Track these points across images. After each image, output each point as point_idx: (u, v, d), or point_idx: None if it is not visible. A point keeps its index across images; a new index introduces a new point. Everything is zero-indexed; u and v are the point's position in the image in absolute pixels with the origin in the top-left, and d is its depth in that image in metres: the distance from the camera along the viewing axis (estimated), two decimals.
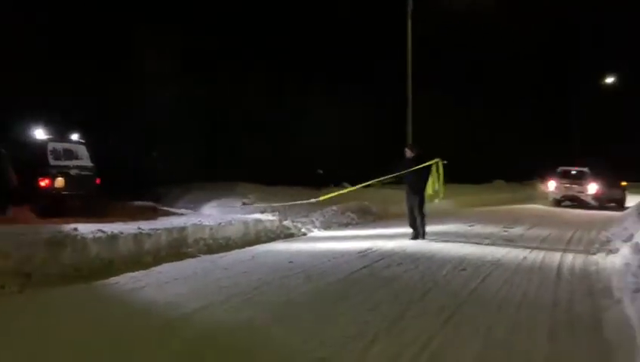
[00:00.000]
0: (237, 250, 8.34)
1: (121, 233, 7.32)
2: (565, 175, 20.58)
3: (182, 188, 14.53)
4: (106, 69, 13.77)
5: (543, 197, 21.61)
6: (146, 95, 14.68)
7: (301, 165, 17.94)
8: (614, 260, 7.46)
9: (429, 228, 9.94)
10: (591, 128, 34.41)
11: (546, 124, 33.27)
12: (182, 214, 10.75)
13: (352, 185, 14.85)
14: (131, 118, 14.36)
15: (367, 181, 10.44)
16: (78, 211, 9.45)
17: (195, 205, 12.74)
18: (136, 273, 6.44)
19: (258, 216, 10.50)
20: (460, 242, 9.55)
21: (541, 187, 23.29)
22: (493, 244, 9.37)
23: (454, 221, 13.07)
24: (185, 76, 15.47)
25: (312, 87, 18.72)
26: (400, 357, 3.86)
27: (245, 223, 9.54)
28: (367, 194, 14.32)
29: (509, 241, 9.77)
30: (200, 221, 9.01)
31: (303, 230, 10.69)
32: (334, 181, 17.10)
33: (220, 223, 9.03)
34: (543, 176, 23.04)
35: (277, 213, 10.85)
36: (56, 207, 9.61)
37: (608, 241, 9.45)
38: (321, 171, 17.93)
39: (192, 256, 7.70)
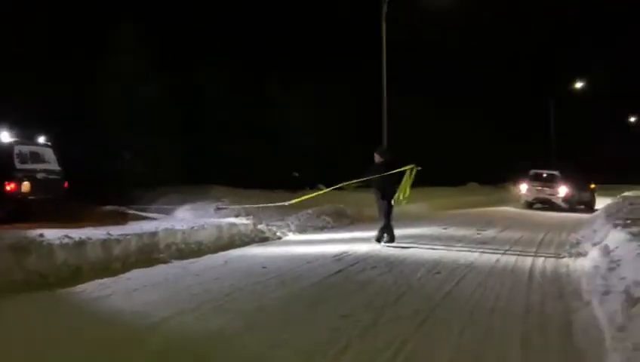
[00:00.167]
0: (210, 255, 8.19)
1: (89, 239, 7.11)
2: (537, 178, 20.97)
3: (155, 191, 14.28)
4: (75, 69, 13.42)
5: (515, 200, 21.96)
6: (117, 95, 14.39)
7: (277, 168, 17.85)
8: (584, 263, 7.58)
9: (403, 231, 9.97)
10: (566, 131, 35.17)
11: (521, 127, 33.83)
12: (154, 218, 10.54)
13: (328, 187, 14.79)
14: (102, 119, 14.04)
15: (339, 184, 10.35)
16: (45, 216, 9.16)
17: (168, 209, 12.52)
18: (105, 280, 6.26)
19: (232, 219, 10.36)
20: (434, 245, 9.59)
21: (514, 190, 23.67)
22: (466, 247, 9.44)
23: (428, 224, 13.16)
24: (158, 76, 15.21)
25: (288, 88, 18.63)
26: None
27: (219, 227, 9.39)
28: (342, 197, 14.31)
29: (483, 244, 9.86)
30: (172, 225, 8.84)
31: (277, 234, 10.60)
32: (310, 183, 17.05)
33: (193, 227, 8.88)
34: (516, 179, 23.44)
35: (251, 217, 10.73)
36: (23, 211, 9.30)
37: (578, 243, 9.62)
38: (296, 174, 17.87)
39: (164, 261, 7.53)
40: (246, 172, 16.06)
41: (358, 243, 9.47)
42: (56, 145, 10.50)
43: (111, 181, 13.52)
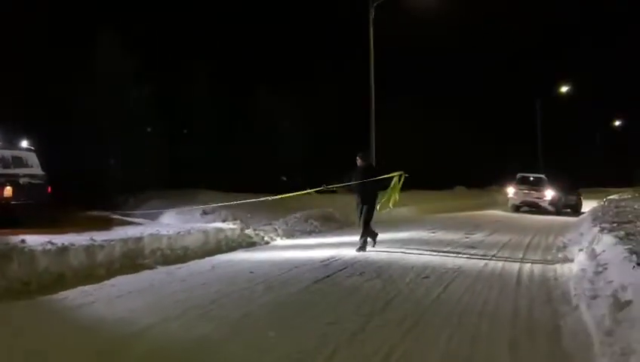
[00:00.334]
0: (196, 261, 8.09)
1: (73, 245, 6.98)
2: (524, 181, 21.11)
3: (140, 196, 14.12)
4: (59, 74, 13.24)
5: (503, 204, 22.07)
6: (103, 100, 14.23)
7: (265, 173, 17.75)
8: (571, 266, 7.61)
9: (392, 235, 9.93)
10: (553, 134, 35.49)
11: (508, 130, 34.06)
12: (139, 224, 10.39)
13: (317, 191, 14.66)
14: (86, 123, 13.86)
15: (320, 187, 10.25)
16: (28, 222, 8.98)
17: (154, 214, 12.38)
18: (88, 287, 6.13)
19: (219, 224, 10.27)
20: (422, 249, 9.57)
21: (501, 193, 23.80)
22: (455, 251, 9.43)
23: (416, 228, 13.15)
24: (144, 81, 15.08)
25: (276, 92, 18.57)
26: None
27: (205, 232, 9.29)
28: (330, 201, 14.27)
29: (471, 248, 9.86)
30: (158, 230, 8.72)
31: (265, 238, 10.51)
32: (298, 188, 16.94)
33: (179, 232, 8.77)
34: (503, 183, 23.58)
35: (238, 222, 10.63)
36: (5, 217, 9.10)
37: (565, 247, 9.66)
38: (284, 178, 17.79)
39: (149, 267, 7.41)
40: (234, 177, 15.94)
41: (347, 247, 9.41)
42: (39, 149, 10.32)
43: (96, 186, 13.35)
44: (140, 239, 7.95)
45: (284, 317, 5.09)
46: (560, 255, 8.92)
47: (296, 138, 19.05)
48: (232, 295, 5.83)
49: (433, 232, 12.36)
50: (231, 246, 9.43)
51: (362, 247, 9.11)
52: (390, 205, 9.55)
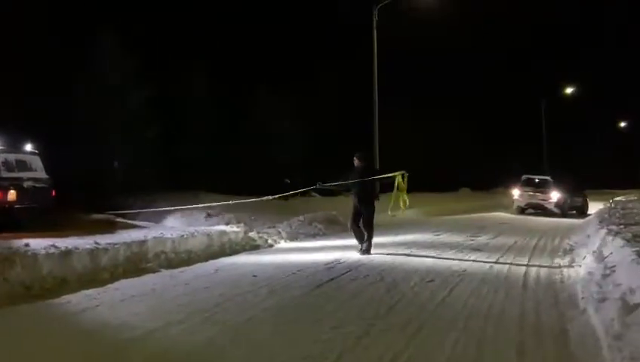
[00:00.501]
0: (200, 264, 8.07)
1: (76, 248, 6.97)
2: (529, 183, 20.96)
3: (144, 199, 14.12)
4: (60, 75, 13.25)
5: (508, 206, 21.95)
6: (106, 104, 14.24)
7: (268, 175, 17.72)
8: (578, 269, 7.52)
9: (396, 238, 9.86)
10: (558, 136, 35.32)
11: (513, 132, 33.92)
12: (143, 227, 10.37)
13: (320, 192, 14.64)
14: (90, 127, 13.87)
15: (314, 186, 10.19)
16: (32, 225, 8.98)
17: (158, 217, 12.37)
18: (91, 291, 6.10)
19: (223, 227, 10.24)
20: (426, 252, 9.49)
21: (506, 195, 23.68)
22: (460, 254, 9.36)
23: (421, 230, 13.07)
24: (146, 85, 15.08)
25: (277, 93, 18.53)
26: None
27: (209, 235, 9.27)
28: (334, 203, 14.22)
29: (476, 250, 9.78)
30: (161, 233, 8.70)
31: (269, 241, 10.47)
32: (302, 190, 16.91)
33: (183, 236, 8.75)
34: (508, 185, 23.45)
35: (242, 225, 10.61)
36: (9, 220, 9.10)
37: (571, 249, 9.57)
38: (288, 181, 17.73)
39: (153, 270, 7.39)
40: (235, 179, 15.93)
41: (351, 250, 9.34)
42: (43, 153, 10.32)
43: (100, 189, 13.36)
44: (143, 242, 7.93)
45: (288, 321, 5.04)
46: (566, 257, 8.83)
47: (297, 139, 18.99)
48: (236, 298, 5.79)
49: (437, 235, 12.28)
50: (234, 249, 9.40)
51: (367, 250, 9.05)
52: (402, 206, 9.43)
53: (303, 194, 15.97)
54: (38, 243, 6.82)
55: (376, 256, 8.88)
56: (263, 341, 4.44)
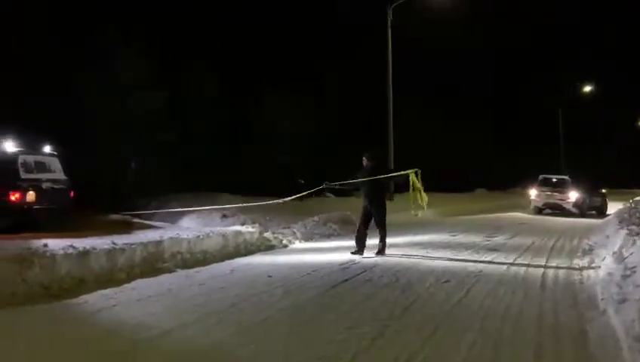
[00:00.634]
0: (215, 264, 8.11)
1: (94, 248, 7.04)
2: (546, 183, 20.69)
3: (160, 199, 14.24)
4: (79, 78, 13.42)
5: (525, 206, 21.70)
6: (122, 105, 14.39)
7: (284, 176, 17.73)
8: (597, 270, 7.40)
9: (411, 238, 9.79)
10: (576, 135, 34.81)
11: (529, 131, 33.50)
12: (159, 227, 10.45)
13: (334, 193, 14.61)
14: (106, 128, 14.02)
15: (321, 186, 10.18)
16: (51, 226, 9.11)
17: (173, 217, 12.46)
18: (108, 290, 6.17)
19: (238, 228, 10.27)
20: (442, 252, 9.43)
21: (523, 195, 23.40)
22: (476, 254, 9.27)
23: (437, 231, 12.97)
24: (160, 85, 15.21)
25: (291, 94, 18.52)
26: None
27: (224, 236, 9.30)
28: (349, 204, 14.18)
29: (492, 251, 9.67)
30: (177, 234, 8.76)
31: (284, 242, 10.48)
32: (310, 191, 16.90)
33: (198, 236, 8.80)
34: (525, 185, 23.18)
35: (257, 225, 10.63)
36: (28, 221, 9.24)
37: (591, 250, 9.43)
38: (302, 181, 17.73)
39: (169, 271, 7.44)
40: (250, 180, 15.97)
41: (365, 251, 9.30)
42: (61, 154, 10.45)
43: (117, 190, 13.49)
44: (160, 243, 7.99)
45: (303, 321, 5.04)
46: (586, 258, 8.70)
47: (308, 139, 18.96)
48: (251, 299, 5.81)
49: (453, 235, 12.18)
50: (250, 249, 9.43)
51: (381, 251, 8.98)
52: (423, 204, 9.31)
53: (317, 194, 15.97)
54: (56, 244, 6.91)
55: (391, 257, 8.83)
56: (278, 341, 4.44)
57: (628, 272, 5.82)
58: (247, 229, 10.17)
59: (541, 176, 21.01)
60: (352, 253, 8.88)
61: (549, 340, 4.56)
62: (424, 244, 10.41)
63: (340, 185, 9.83)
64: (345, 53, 20.90)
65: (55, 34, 13.34)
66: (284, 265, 8.04)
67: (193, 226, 11.00)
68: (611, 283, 5.94)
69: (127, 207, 12.41)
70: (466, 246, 10.23)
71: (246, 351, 4.18)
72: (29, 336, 4.57)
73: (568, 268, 8.05)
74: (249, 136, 18.06)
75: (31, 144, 10.01)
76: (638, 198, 19.89)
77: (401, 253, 9.17)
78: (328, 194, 16.27)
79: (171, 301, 5.74)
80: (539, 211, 20.50)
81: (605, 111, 38.36)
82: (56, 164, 10.30)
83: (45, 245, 6.83)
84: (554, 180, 20.67)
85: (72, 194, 10.44)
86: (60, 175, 10.29)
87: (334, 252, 9.37)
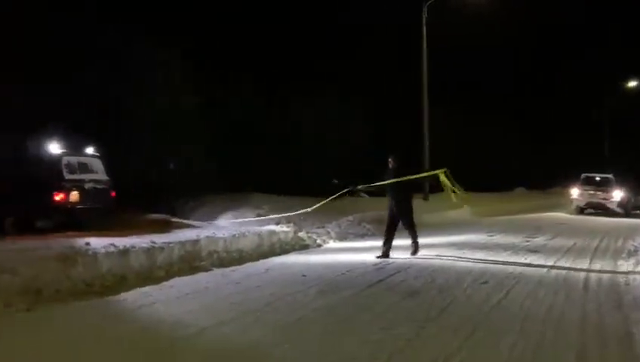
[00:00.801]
0: (250, 263, 8.19)
1: (134, 247, 7.24)
2: (589, 182, 20.04)
3: (196, 200, 14.49)
4: (120, 81, 13.77)
5: (566, 205, 21.08)
6: (161, 108, 14.70)
7: (318, 176, 17.74)
8: None
9: (447, 239, 9.64)
10: (620, 132, 33.57)
11: (570, 129, 32.45)
12: (196, 226, 10.64)
13: (368, 193, 14.50)
14: (145, 129, 14.35)
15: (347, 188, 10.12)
16: (93, 225, 9.41)
17: (210, 217, 12.66)
18: (148, 288, 6.31)
19: (272, 227, 10.36)
20: (479, 253, 9.25)
21: (564, 195, 22.74)
22: (515, 255, 9.06)
23: (474, 231, 12.73)
24: (197, 88, 15.49)
25: (325, 95, 18.53)
26: None
27: (259, 235, 9.41)
28: (383, 203, 14.05)
29: (532, 252, 9.43)
30: (213, 233, 8.91)
31: (318, 241, 10.51)
32: (350, 191, 16.85)
33: (234, 235, 8.93)
34: (566, 184, 22.51)
35: (292, 225, 10.69)
36: (72, 221, 9.57)
37: (636, 251, 9.08)
38: (336, 181, 17.70)
39: (205, 269, 7.57)
40: (285, 180, 16.05)
41: (400, 251, 9.18)
42: (103, 155, 10.77)
43: (156, 190, 13.79)
44: (197, 241, 8.14)
45: (338, 321, 5.03)
46: (631, 259, 8.39)
47: (345, 141, 18.93)
48: (286, 298, 5.83)
49: (491, 236, 11.93)
50: (284, 248, 9.50)
51: (414, 252, 8.87)
52: (455, 198, 9.13)
53: (351, 194, 15.91)
54: (98, 243, 7.13)
55: (426, 258, 8.71)
56: (313, 341, 4.44)
57: None
58: (282, 229, 10.24)
59: (583, 175, 20.38)
60: (377, 256, 8.67)
61: (592, 342, 4.41)
62: (460, 245, 10.24)
63: (367, 187, 9.74)
64: (376, 54, 20.76)
65: (98, 37, 13.73)
66: (319, 264, 8.05)
67: (229, 225, 11.15)
68: None
69: (164, 206, 12.69)
70: (505, 248, 10.00)
71: (281, 351, 4.20)
72: (71, 332, 4.72)
73: (612, 269, 7.77)
74: (285, 137, 18.16)
75: (74, 145, 10.35)
76: None
77: (436, 254, 9.04)
78: (363, 194, 16.18)
79: (209, 299, 5.83)
80: (581, 211, 19.89)
81: None
82: (98, 164, 10.63)
83: (88, 244, 7.07)
84: (597, 179, 20.02)
85: (113, 194, 10.75)
86: (101, 175, 10.62)
87: (368, 252, 9.31)
